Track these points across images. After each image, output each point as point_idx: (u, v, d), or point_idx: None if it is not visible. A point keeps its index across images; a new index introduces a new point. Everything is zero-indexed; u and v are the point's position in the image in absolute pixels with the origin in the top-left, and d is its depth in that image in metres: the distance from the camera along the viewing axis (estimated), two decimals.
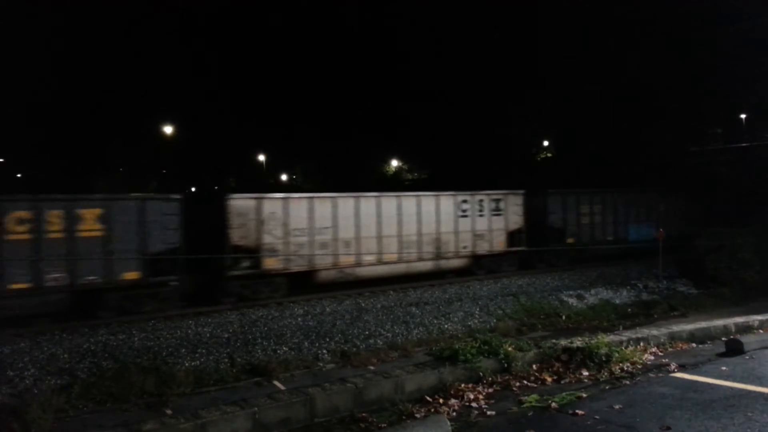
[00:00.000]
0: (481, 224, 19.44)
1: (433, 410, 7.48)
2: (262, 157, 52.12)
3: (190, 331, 12.48)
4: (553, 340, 9.82)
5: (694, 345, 10.52)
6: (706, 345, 10.56)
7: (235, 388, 8.67)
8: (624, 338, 10.16)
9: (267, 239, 15.55)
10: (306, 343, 11.62)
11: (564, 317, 13.97)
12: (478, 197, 19.51)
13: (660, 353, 9.85)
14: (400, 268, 17.91)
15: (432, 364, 8.72)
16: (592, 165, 29.83)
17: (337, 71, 44.05)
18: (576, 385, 8.23)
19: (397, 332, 12.75)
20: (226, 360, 10.58)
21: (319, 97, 42.67)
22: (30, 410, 7.16)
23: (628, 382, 8.24)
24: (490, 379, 8.46)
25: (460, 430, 6.64)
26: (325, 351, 11.11)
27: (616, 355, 9.09)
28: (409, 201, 18.15)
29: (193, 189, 44.51)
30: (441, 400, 7.81)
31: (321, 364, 9.94)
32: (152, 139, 38.86)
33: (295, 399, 7.42)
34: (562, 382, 8.49)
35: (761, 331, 11.43)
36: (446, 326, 13.36)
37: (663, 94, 29.30)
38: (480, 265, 19.50)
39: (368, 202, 17.35)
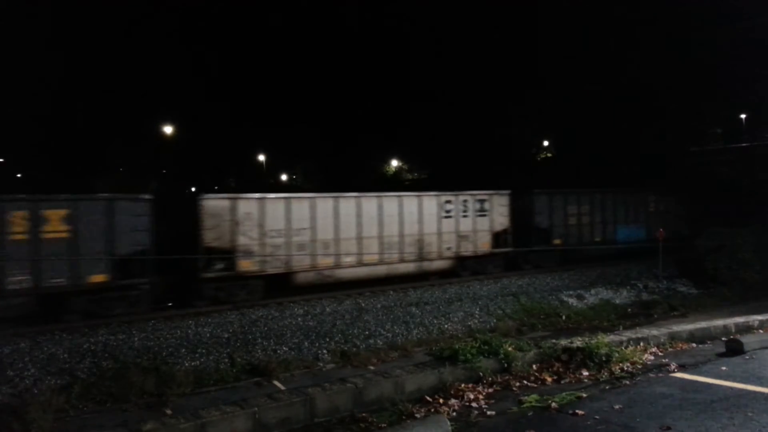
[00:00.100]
0: (466, 225, 19.13)
1: (433, 410, 7.48)
2: (262, 157, 52.09)
3: (190, 331, 12.48)
4: (553, 340, 9.82)
5: (694, 345, 10.51)
6: (706, 345, 10.55)
7: (235, 388, 8.68)
8: (624, 338, 10.15)
9: (242, 240, 15.23)
10: (306, 343, 11.62)
11: (564, 317, 13.99)
12: (462, 198, 19.21)
13: (660, 353, 9.85)
14: (382, 269, 17.56)
15: (432, 364, 8.72)
16: (592, 165, 29.83)
17: (337, 71, 44.09)
18: (576, 385, 8.22)
19: (397, 332, 12.76)
20: (226, 360, 10.59)
21: (319, 97, 42.71)
22: (30, 410, 7.17)
23: (628, 382, 8.23)
24: (490, 379, 8.46)
25: (460, 430, 6.64)
26: (325, 351, 11.12)
27: (616, 355, 9.09)
28: (390, 201, 17.81)
29: (193, 189, 44.51)
30: (441, 400, 7.81)
31: (321, 364, 9.95)
32: (152, 139, 38.86)
33: (295, 399, 7.42)
34: (562, 382, 8.49)
35: (761, 331, 11.42)
36: (446, 326, 13.37)
37: (663, 94, 29.31)
38: (465, 267, 19.19)
39: (348, 203, 17.02)
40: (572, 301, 16.08)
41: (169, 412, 7.45)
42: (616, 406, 7.06)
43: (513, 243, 20.06)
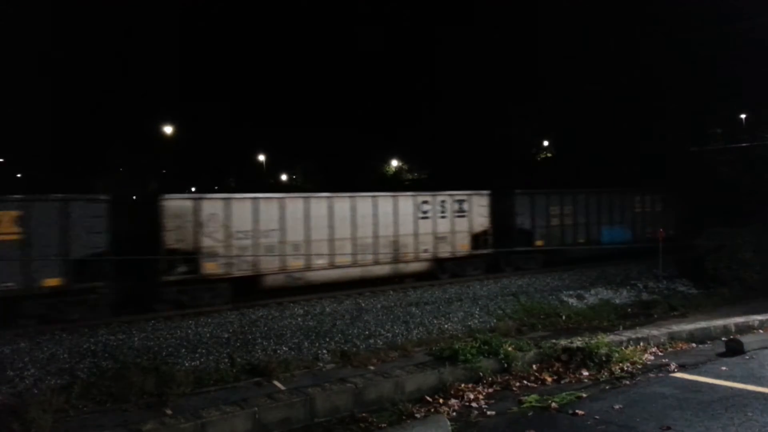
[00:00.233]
0: (444, 226, 18.67)
1: (433, 410, 7.48)
2: (262, 157, 52.11)
3: (190, 331, 12.49)
4: (553, 340, 9.81)
5: (694, 345, 10.52)
6: (706, 345, 10.55)
7: (235, 388, 8.68)
8: (624, 338, 10.15)
9: (207, 242, 14.80)
10: (306, 343, 11.62)
11: (564, 317, 13.98)
12: (440, 198, 18.77)
13: (660, 353, 9.85)
14: (355, 272, 17.11)
15: (432, 364, 8.72)
16: (592, 165, 29.81)
17: (337, 71, 44.15)
18: (576, 385, 8.23)
19: (397, 332, 12.76)
20: (226, 360, 10.58)
21: (319, 97, 42.77)
22: (30, 410, 7.16)
23: (628, 382, 8.23)
24: (490, 379, 8.46)
25: (460, 430, 6.64)
26: (325, 351, 11.11)
27: (616, 355, 9.09)
28: (364, 202, 17.35)
29: (193, 189, 44.54)
30: (441, 400, 7.81)
31: (321, 364, 9.95)
32: (152, 139, 38.90)
33: (295, 399, 7.42)
34: (562, 382, 8.49)
35: (761, 331, 11.42)
36: (446, 326, 13.36)
37: (663, 94, 29.30)
38: (443, 269, 18.77)
39: (319, 203, 16.59)
40: (572, 301, 16.07)
41: (169, 412, 7.45)
42: (616, 406, 7.06)
43: (493, 244, 19.66)
